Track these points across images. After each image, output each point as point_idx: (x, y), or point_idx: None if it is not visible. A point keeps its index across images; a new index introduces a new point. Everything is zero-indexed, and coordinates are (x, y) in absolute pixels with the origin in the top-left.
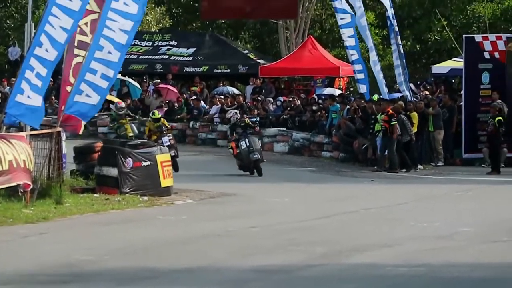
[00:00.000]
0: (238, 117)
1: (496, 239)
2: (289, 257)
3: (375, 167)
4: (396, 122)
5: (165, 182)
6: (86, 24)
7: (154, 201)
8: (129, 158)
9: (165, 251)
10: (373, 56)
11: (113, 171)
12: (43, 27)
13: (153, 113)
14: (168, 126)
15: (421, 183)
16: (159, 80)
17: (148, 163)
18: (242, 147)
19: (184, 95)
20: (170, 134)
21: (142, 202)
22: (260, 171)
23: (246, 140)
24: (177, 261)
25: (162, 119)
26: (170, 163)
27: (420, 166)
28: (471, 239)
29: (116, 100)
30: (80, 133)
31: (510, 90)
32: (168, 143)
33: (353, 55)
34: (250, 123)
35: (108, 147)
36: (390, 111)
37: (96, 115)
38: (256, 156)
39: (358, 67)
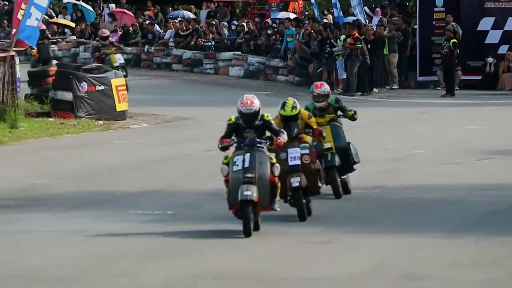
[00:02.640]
0: None
1: (450, 161)
2: None
3: (341, 91)
4: (361, 45)
5: (120, 106)
6: None
7: (110, 125)
8: (84, 82)
9: (121, 175)
10: None
11: (68, 95)
12: None
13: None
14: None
15: (376, 106)
16: (114, 5)
17: (103, 87)
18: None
19: (139, 19)
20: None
21: (98, 126)
22: None
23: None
24: (132, 185)
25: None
26: (125, 87)
27: (375, 89)
28: (425, 162)
29: (70, 24)
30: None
31: (464, 13)
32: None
33: None
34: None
35: (62, 71)
36: (356, 34)
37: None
38: None
39: None
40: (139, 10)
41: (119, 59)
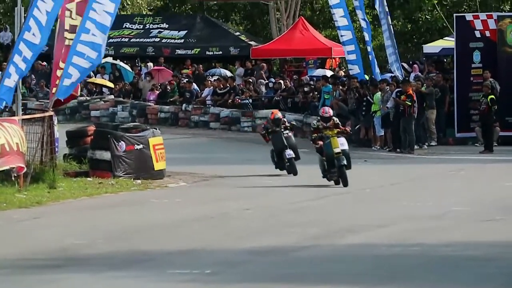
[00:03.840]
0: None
1: (489, 218)
2: (283, 239)
3: (398, 149)
4: (411, 103)
5: (158, 165)
6: (73, 7)
7: (148, 184)
8: (122, 142)
9: (159, 234)
10: (366, 36)
11: (106, 155)
12: (32, 11)
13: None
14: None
15: (415, 163)
16: (151, 64)
17: (141, 146)
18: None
19: (177, 77)
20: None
21: (136, 185)
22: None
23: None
24: (170, 244)
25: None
26: (162, 146)
27: (415, 146)
28: (464, 218)
29: (108, 83)
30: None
31: (502, 69)
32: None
33: (344, 35)
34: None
35: (100, 130)
36: (410, 91)
37: (88, 98)
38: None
39: (350, 47)
40: (177, 68)
41: (341, 144)
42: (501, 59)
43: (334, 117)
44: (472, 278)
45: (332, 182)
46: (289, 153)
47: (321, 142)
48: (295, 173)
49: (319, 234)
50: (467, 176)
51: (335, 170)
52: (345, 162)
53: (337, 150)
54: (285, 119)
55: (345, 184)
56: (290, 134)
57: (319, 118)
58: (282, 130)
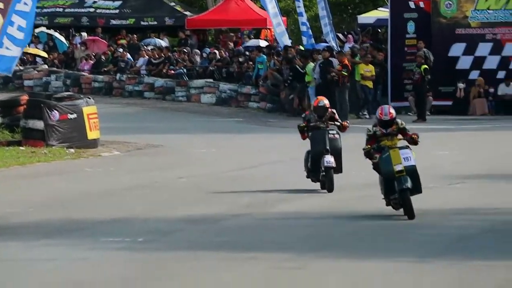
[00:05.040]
0: None
1: (422, 186)
2: (215, 208)
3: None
4: (347, 73)
5: (92, 134)
6: None
7: (81, 153)
8: (55, 111)
9: (92, 203)
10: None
11: (39, 124)
12: None
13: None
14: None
15: (348, 132)
16: (85, 34)
17: (75, 115)
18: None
19: (111, 47)
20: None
21: (69, 154)
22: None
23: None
24: (103, 213)
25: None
26: (96, 115)
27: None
28: None
29: (42, 53)
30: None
31: (435, 39)
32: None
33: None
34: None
35: (34, 99)
36: (346, 61)
37: (22, 68)
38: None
39: (276, 20)
40: (112, 39)
41: (405, 158)
42: (435, 29)
43: (398, 120)
44: (404, 246)
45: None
46: (329, 160)
47: (378, 156)
48: (331, 189)
49: (251, 203)
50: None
51: (396, 195)
52: (409, 184)
53: (398, 167)
54: (333, 111)
55: (411, 216)
56: (336, 136)
57: (375, 122)
58: (328, 128)
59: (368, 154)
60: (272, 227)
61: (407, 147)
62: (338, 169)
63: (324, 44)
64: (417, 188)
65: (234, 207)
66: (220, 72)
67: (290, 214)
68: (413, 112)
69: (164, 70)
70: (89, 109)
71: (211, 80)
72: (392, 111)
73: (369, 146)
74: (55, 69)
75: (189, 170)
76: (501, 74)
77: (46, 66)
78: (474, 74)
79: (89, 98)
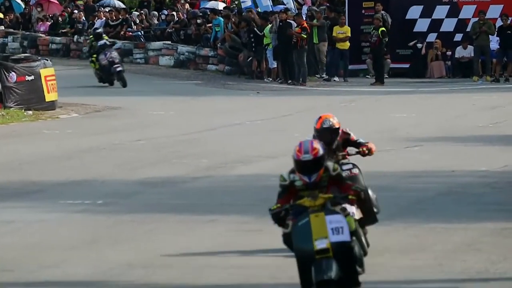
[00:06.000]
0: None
1: (379, 149)
2: (175, 170)
3: (290, 81)
4: (306, 36)
5: (50, 96)
6: None
7: (39, 115)
8: (13, 72)
9: (50, 165)
10: None
11: None
12: None
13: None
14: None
15: (306, 94)
16: None
17: (32, 77)
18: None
19: (68, 8)
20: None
21: (27, 116)
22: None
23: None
24: (62, 175)
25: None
26: (54, 77)
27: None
28: None
29: None
30: None
31: (393, 2)
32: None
33: None
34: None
35: None
36: (305, 24)
37: None
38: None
39: None
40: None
41: (335, 230)
42: None
43: (329, 163)
44: None
45: None
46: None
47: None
48: None
49: (211, 165)
50: (358, 108)
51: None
52: (333, 273)
53: (320, 244)
54: (347, 131)
55: None
56: (355, 171)
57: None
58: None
59: (277, 218)
60: (231, 190)
61: (342, 210)
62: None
63: (282, 6)
64: (351, 280)
65: (193, 169)
66: (178, 34)
67: (249, 177)
68: (371, 75)
69: (122, 32)
70: (47, 71)
71: (169, 42)
72: (318, 146)
73: (279, 205)
74: (12, 30)
75: (148, 133)
76: (458, 37)
77: (2, 28)
78: (431, 37)
79: (47, 60)
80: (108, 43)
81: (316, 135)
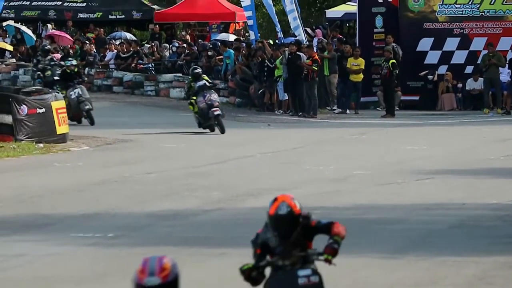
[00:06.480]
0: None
1: (390, 181)
2: (185, 203)
3: (301, 113)
4: (317, 68)
5: (61, 129)
6: None
7: (50, 148)
8: (24, 105)
9: (61, 198)
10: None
11: (7, 118)
12: None
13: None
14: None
15: (317, 127)
16: (50, 25)
17: (43, 110)
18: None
19: (79, 41)
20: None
21: (38, 149)
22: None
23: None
24: (73, 208)
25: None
26: (65, 110)
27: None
28: (366, 182)
29: (8, 47)
30: None
31: (403, 34)
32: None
33: (244, 1)
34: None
35: (2, 94)
36: (316, 56)
37: None
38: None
39: (248, 13)
40: (79, 32)
41: None
42: (402, 24)
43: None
44: (372, 241)
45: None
46: None
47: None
48: None
49: (221, 198)
50: (369, 140)
51: None
52: None
53: None
54: (308, 215)
55: None
56: (313, 280)
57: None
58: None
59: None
60: (242, 223)
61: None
62: None
63: (292, 38)
64: None
65: (204, 202)
66: (189, 66)
67: (260, 210)
68: (382, 107)
69: (133, 65)
70: (58, 103)
71: (180, 74)
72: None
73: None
74: (23, 63)
75: (159, 165)
76: (469, 69)
77: (14, 60)
78: (442, 69)
79: (58, 93)
80: (208, 84)
81: (270, 223)
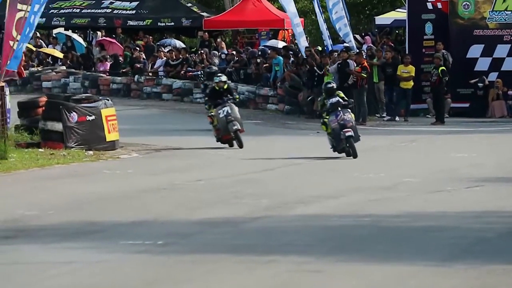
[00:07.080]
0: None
1: (440, 189)
2: (234, 210)
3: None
4: (367, 75)
5: (111, 136)
6: None
7: (100, 155)
8: (74, 113)
9: (111, 205)
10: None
11: (58, 126)
12: None
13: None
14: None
15: (367, 134)
16: (99, 33)
17: (93, 117)
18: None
19: (129, 48)
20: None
21: (88, 156)
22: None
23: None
24: (122, 215)
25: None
26: (115, 117)
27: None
28: (415, 189)
29: (57, 54)
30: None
31: (453, 40)
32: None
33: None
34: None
35: (52, 101)
36: (365, 63)
37: (40, 69)
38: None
39: (296, 20)
40: (129, 39)
41: None
42: (452, 30)
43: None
44: (422, 249)
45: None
46: None
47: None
48: None
49: (270, 205)
50: (419, 148)
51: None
52: None
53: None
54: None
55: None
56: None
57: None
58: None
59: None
60: (291, 230)
61: None
62: None
63: (341, 46)
64: None
65: (253, 209)
66: (238, 73)
67: (308, 217)
68: (432, 114)
69: (182, 72)
70: (108, 111)
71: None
72: None
73: None
74: (73, 70)
75: (208, 172)
76: None
77: (64, 68)
78: (492, 76)
79: (108, 100)
80: (341, 101)
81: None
